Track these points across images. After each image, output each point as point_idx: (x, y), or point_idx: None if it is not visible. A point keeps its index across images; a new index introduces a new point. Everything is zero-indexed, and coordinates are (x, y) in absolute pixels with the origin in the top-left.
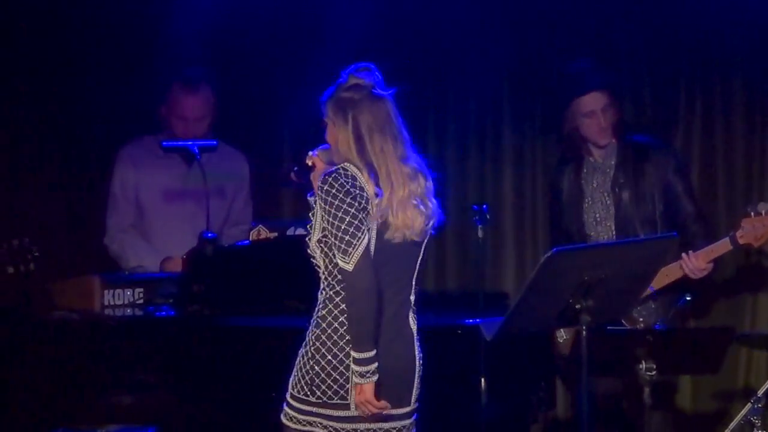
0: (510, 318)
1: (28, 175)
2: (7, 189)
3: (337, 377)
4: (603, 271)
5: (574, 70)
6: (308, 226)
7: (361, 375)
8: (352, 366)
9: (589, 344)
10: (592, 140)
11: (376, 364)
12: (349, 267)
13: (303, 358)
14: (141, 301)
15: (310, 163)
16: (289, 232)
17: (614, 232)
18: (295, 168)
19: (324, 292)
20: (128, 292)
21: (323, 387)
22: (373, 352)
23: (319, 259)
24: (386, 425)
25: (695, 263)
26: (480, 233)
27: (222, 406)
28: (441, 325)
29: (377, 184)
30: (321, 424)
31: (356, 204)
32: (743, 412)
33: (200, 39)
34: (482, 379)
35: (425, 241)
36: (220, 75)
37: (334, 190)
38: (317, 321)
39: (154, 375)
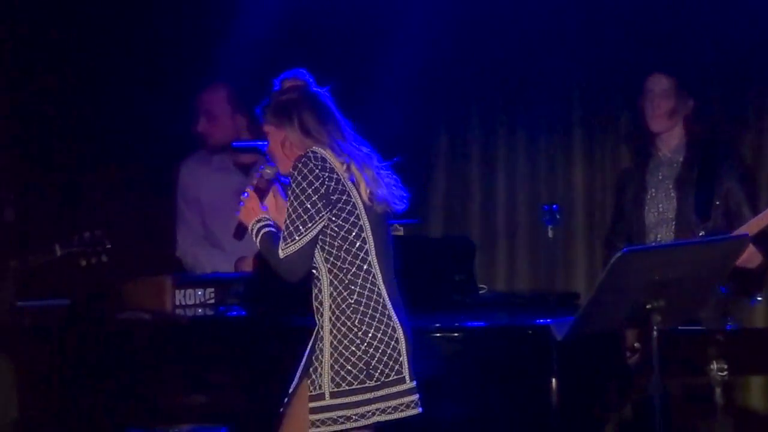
0: (581, 318)
1: (102, 175)
2: (81, 189)
3: (392, 353)
4: (673, 271)
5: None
6: None
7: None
8: (257, 227)
9: (660, 344)
10: (647, 125)
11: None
12: (281, 254)
13: (350, 347)
14: (212, 301)
15: (260, 186)
16: None
17: (674, 229)
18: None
19: (337, 281)
20: (199, 292)
21: (380, 367)
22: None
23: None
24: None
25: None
26: (550, 233)
27: None
28: (512, 325)
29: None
30: (377, 410)
31: (322, 190)
32: None
33: (261, 47)
34: (553, 380)
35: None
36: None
37: (300, 177)
38: (353, 307)
39: (225, 375)
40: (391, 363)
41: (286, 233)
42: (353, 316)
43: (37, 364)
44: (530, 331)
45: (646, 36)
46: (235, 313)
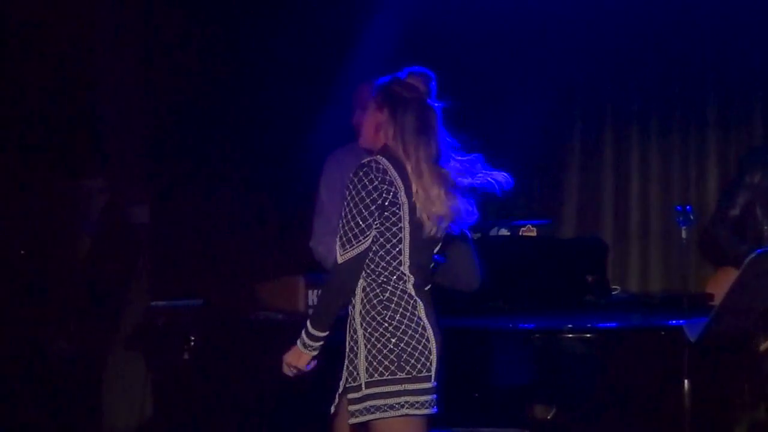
0: (714, 319)
1: (236, 177)
2: (215, 191)
3: (422, 349)
4: None
5: None
6: None
7: (309, 347)
8: (304, 337)
9: None
10: None
11: (322, 344)
12: (340, 260)
13: (381, 339)
14: None
15: None
16: (492, 232)
17: None
18: None
19: (371, 279)
20: None
21: (412, 361)
22: (326, 333)
23: None
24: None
25: None
26: (684, 234)
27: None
28: (645, 326)
29: (406, 178)
30: (407, 402)
31: (379, 201)
32: None
33: (401, 48)
34: (686, 381)
35: (443, 236)
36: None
37: (360, 185)
38: (384, 304)
39: None
40: (422, 359)
41: (344, 239)
42: (384, 311)
43: (170, 363)
44: (663, 333)
45: None
46: None
